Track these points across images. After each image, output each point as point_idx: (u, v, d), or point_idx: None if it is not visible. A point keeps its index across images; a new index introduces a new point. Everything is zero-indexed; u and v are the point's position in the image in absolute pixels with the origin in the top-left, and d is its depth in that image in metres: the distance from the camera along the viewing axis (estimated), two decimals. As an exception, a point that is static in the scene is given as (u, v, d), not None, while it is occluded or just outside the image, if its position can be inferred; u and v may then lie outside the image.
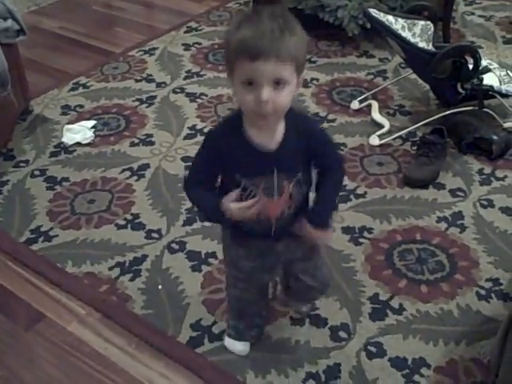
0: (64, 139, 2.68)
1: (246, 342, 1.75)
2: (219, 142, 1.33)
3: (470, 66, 2.46)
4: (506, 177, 2.41)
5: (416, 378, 1.68)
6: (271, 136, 1.31)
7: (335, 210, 1.59)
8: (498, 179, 2.40)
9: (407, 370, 1.70)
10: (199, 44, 3.48)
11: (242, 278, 1.59)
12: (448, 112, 2.57)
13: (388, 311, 1.87)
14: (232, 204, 1.33)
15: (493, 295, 1.91)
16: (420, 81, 2.88)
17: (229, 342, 1.76)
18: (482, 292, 1.93)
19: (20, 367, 1.76)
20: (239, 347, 1.75)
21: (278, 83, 1.18)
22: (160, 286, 1.98)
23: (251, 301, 1.68)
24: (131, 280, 2.00)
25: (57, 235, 2.19)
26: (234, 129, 1.31)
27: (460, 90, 2.53)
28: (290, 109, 1.30)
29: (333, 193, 1.50)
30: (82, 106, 2.93)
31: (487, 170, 2.45)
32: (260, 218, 1.38)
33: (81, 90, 3.08)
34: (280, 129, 1.31)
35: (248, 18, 1.19)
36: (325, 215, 1.47)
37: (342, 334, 1.80)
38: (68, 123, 2.78)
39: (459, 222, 2.20)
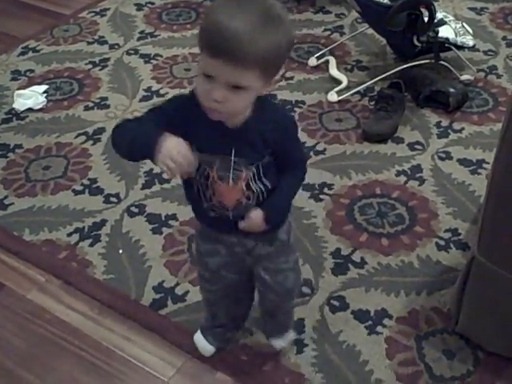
0: (15, 105, 2.59)
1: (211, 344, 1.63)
2: (182, 106, 1.19)
3: (426, 19, 2.45)
4: (463, 129, 2.43)
5: (379, 328, 1.70)
6: (228, 118, 1.17)
7: (288, 211, 1.38)
8: (455, 131, 2.42)
9: (370, 322, 1.72)
10: (152, 3, 3.39)
11: (207, 276, 1.46)
12: (405, 66, 2.57)
13: (350, 265, 1.89)
14: (174, 139, 1.09)
15: (452, 245, 1.94)
16: (377, 35, 2.86)
17: (198, 337, 1.64)
18: (442, 242, 1.95)
19: (-20, 338, 1.74)
20: (204, 345, 1.63)
21: (235, 87, 1.06)
22: (121, 251, 1.95)
23: (218, 304, 1.55)
24: (91, 245, 1.97)
25: (12, 203, 2.14)
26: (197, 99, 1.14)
27: (416, 42, 2.52)
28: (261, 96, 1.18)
29: (291, 192, 1.33)
30: (32, 71, 2.84)
31: (444, 123, 2.47)
32: (215, 203, 1.25)
33: (30, 54, 2.98)
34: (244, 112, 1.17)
35: (228, 4, 1.04)
36: (279, 212, 1.31)
37: (305, 290, 1.81)
38: (18, 89, 2.69)
39: (418, 175, 2.21)
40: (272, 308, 1.57)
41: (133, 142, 1.12)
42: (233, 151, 1.18)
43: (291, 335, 1.65)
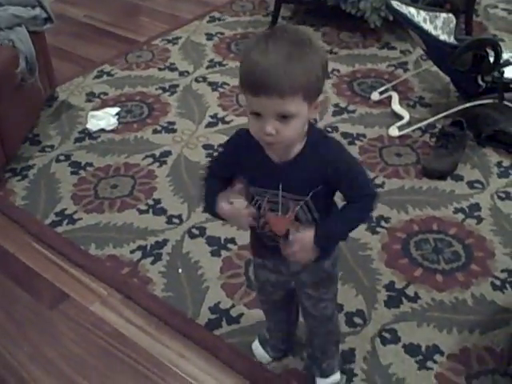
0: (88, 125, 2.74)
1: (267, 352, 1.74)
2: (241, 142, 1.29)
3: (491, 59, 2.46)
4: (524, 170, 2.42)
5: (429, 364, 1.71)
6: (284, 152, 1.24)
7: (342, 238, 1.42)
8: (516, 172, 2.41)
9: (420, 357, 1.73)
10: (222, 34, 3.52)
11: (257, 286, 1.61)
12: (468, 104, 2.58)
13: (403, 299, 1.90)
14: (225, 204, 1.29)
15: (508, 286, 1.93)
16: (441, 73, 2.88)
17: (256, 345, 1.76)
18: (497, 282, 1.95)
19: (44, 344, 1.83)
20: (262, 354, 1.74)
21: (284, 117, 1.12)
22: (180, 270, 2.03)
23: (271, 314, 1.67)
24: (152, 263, 2.05)
25: (81, 218, 2.25)
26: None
27: (480, 82, 2.54)
28: (317, 130, 1.26)
29: (348, 221, 1.32)
30: (106, 94, 2.99)
31: (506, 163, 2.46)
32: (265, 231, 1.34)
33: (105, 77, 3.13)
34: (296, 147, 1.24)
35: (259, 43, 1.11)
36: (329, 237, 1.30)
37: (358, 320, 1.84)
38: (92, 110, 2.84)
39: (476, 214, 2.21)
40: (309, 331, 1.64)
41: (204, 202, 1.38)
42: (280, 186, 1.26)
43: (337, 376, 1.68)
